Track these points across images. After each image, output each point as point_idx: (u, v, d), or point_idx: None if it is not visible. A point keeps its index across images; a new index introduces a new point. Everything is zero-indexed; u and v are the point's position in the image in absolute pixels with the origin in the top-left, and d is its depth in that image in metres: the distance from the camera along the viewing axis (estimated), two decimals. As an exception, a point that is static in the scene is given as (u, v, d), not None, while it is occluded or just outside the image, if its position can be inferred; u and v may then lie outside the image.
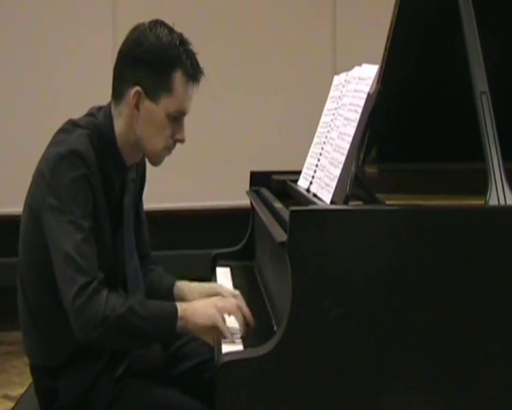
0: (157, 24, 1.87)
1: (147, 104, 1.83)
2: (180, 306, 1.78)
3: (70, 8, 4.65)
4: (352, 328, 1.59)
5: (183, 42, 1.86)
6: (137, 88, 1.82)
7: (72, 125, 1.86)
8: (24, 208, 1.87)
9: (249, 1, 4.92)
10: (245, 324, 1.83)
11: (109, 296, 1.70)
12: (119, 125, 1.88)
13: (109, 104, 1.92)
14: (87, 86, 4.37)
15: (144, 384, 1.91)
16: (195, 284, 2.13)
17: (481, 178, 1.74)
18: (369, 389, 1.61)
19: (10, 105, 4.59)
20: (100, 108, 1.93)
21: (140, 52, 1.82)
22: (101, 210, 1.83)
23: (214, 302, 1.82)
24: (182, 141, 1.90)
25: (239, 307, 1.83)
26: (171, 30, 1.88)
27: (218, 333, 1.78)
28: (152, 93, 1.82)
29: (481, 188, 1.73)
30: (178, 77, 1.83)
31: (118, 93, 1.87)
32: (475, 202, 1.83)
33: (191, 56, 1.86)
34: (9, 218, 4.29)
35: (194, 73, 1.86)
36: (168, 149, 1.90)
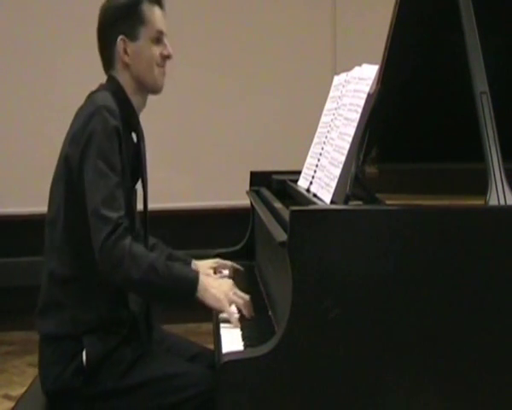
0: None
1: (132, 46, 2.06)
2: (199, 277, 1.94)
3: (68, 2, 4.64)
4: (351, 328, 1.60)
5: None
6: (121, 36, 2.04)
7: (93, 92, 2.07)
8: (58, 162, 2.02)
9: (249, 0, 4.92)
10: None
11: (132, 245, 1.87)
12: (122, 81, 2.08)
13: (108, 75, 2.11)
14: (92, 83, 4.35)
15: (162, 356, 2.07)
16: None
17: (481, 178, 1.74)
18: (368, 389, 1.61)
19: (20, 105, 4.59)
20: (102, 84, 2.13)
21: (110, 14, 2.07)
22: (127, 159, 2.00)
23: (226, 292, 1.95)
24: (169, 56, 2.10)
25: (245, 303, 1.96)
26: None
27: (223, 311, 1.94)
28: (132, 34, 2.05)
29: (481, 188, 1.73)
30: (145, 7, 2.07)
31: (109, 59, 2.09)
32: (475, 202, 1.83)
33: None
34: (10, 218, 4.29)
35: None
36: (161, 67, 2.10)
